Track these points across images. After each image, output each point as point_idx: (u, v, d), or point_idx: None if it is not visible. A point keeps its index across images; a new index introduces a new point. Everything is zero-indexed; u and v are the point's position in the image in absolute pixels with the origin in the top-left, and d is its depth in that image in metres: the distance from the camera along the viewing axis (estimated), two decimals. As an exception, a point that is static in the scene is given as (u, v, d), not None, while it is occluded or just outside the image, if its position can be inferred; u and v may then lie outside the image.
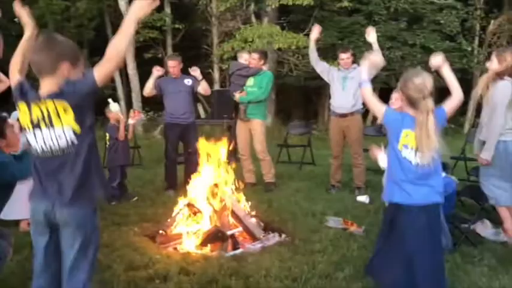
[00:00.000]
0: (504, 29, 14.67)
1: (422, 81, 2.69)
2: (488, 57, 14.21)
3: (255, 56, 6.19)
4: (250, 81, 6.20)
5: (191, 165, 5.56)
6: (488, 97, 3.72)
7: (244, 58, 6.52)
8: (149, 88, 6.10)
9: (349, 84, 5.89)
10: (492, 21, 14.66)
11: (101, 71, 2.06)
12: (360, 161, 6.09)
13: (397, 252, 2.75)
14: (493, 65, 3.69)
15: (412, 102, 2.72)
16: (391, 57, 13.49)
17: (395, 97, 3.70)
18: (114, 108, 5.63)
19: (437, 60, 2.86)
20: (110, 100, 5.70)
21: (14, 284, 3.11)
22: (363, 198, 5.71)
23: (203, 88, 6.10)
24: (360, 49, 13.36)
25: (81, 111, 2.09)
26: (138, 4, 2.10)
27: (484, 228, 4.32)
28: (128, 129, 5.81)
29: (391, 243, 2.80)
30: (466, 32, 14.94)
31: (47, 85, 2.12)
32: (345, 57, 5.99)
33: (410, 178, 2.72)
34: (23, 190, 2.69)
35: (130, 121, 5.90)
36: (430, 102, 2.68)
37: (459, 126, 14.65)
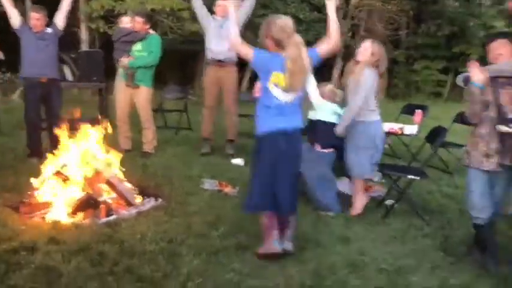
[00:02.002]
0: (364, 3, 15.94)
1: (284, 21, 2.93)
2: (350, 29, 15.27)
3: (139, 19, 5.84)
4: (138, 46, 5.89)
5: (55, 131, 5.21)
6: (354, 81, 4.07)
7: (125, 22, 6.13)
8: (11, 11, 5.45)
9: (225, 32, 5.82)
10: (354, -5, 15.82)
11: None
12: (233, 110, 6.26)
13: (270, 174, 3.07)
14: (366, 55, 4.05)
15: (279, 44, 2.92)
16: (264, 25, 13.86)
17: None
18: None
19: None
20: None
21: None
22: (238, 161, 5.94)
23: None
24: (235, 15, 13.53)
25: None
26: None
27: (343, 184, 4.81)
28: None
29: (265, 170, 3.08)
30: (332, 4, 15.92)
31: None
32: (222, 4, 6.01)
33: (278, 113, 3.02)
34: None
35: None
36: (297, 37, 2.90)
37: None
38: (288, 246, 3.18)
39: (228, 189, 4.69)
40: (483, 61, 3.33)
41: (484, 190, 3.21)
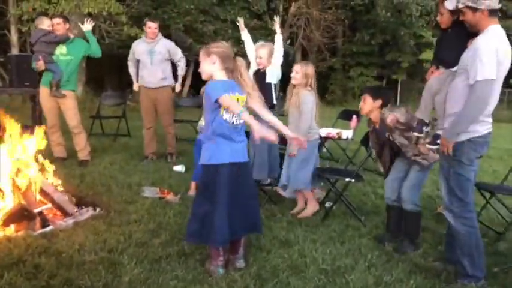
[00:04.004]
0: (302, 12, 16.38)
1: (228, 45, 3.07)
2: (289, 38, 15.73)
3: (59, 20, 5.64)
4: (62, 49, 5.67)
5: None
6: (295, 103, 4.32)
7: (46, 24, 5.85)
8: None
9: (156, 59, 6.00)
10: (293, 4, 16.23)
11: None
12: (170, 130, 6.34)
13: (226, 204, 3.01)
14: (298, 78, 4.30)
15: (226, 65, 3.02)
16: (204, 31, 13.89)
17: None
18: None
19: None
20: None
21: None
22: (179, 168, 5.90)
23: None
24: (174, 20, 13.42)
25: None
26: None
27: (282, 189, 4.91)
28: None
29: (219, 200, 3.01)
30: (271, 12, 16.24)
31: None
32: (153, 26, 6.02)
33: (228, 135, 3.02)
34: None
35: None
36: (240, 60, 3.07)
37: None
38: (241, 264, 3.20)
39: (169, 196, 4.64)
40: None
41: (394, 176, 3.77)
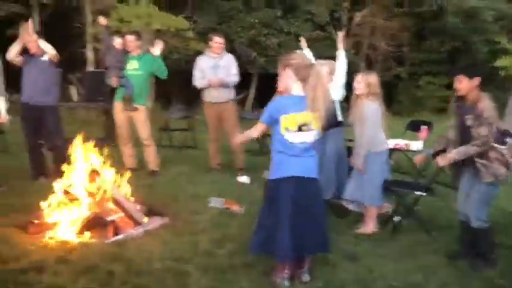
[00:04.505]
0: (367, 20, 16.10)
1: (301, 52, 3.10)
2: (353, 47, 15.43)
3: (131, 38, 5.86)
4: (134, 64, 5.88)
5: (58, 150, 5.37)
6: (359, 114, 4.19)
7: (117, 43, 6.09)
8: (14, 51, 5.36)
9: (221, 73, 6.03)
10: (357, 14, 15.99)
11: None
12: (238, 147, 6.29)
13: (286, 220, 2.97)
14: (361, 88, 4.18)
15: (302, 76, 2.96)
16: (267, 44, 14.03)
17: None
18: None
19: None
20: None
21: None
22: (244, 179, 5.94)
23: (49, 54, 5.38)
24: (238, 34, 13.70)
25: None
26: None
27: (349, 202, 4.79)
28: None
29: (280, 215, 2.99)
30: (335, 22, 16.10)
31: None
32: (220, 41, 6.08)
33: (292, 154, 2.99)
34: None
35: None
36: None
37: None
38: (306, 278, 3.15)
39: (234, 208, 4.68)
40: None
41: (464, 190, 3.64)
